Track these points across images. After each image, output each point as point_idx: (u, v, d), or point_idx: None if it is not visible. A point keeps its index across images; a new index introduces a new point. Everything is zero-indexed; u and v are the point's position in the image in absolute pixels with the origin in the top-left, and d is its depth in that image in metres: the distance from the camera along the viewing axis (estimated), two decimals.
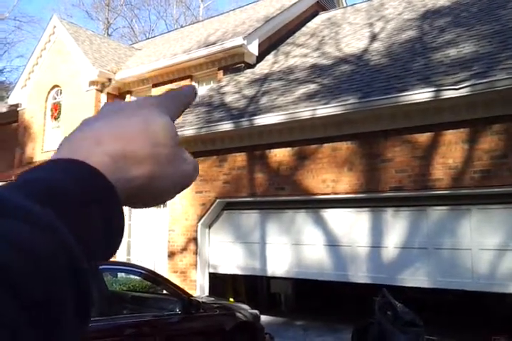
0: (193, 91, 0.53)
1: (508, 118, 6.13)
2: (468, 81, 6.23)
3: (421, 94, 6.41)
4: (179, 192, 0.49)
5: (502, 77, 5.96)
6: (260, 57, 11.67)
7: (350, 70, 8.52)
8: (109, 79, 13.48)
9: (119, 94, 13.85)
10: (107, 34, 32.16)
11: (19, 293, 0.28)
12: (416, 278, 6.91)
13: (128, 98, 13.73)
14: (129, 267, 5.15)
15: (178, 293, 5.08)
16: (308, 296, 10.23)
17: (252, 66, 11.45)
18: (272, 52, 11.94)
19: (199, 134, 8.64)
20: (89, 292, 0.34)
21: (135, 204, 0.46)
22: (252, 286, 10.59)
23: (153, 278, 5.26)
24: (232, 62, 11.59)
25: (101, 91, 13.53)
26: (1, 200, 0.32)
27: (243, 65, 11.37)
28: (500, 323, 7.52)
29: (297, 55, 10.99)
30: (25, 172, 0.38)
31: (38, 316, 0.29)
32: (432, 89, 6.35)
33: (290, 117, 7.52)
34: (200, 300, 5.29)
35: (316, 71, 9.22)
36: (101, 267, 4.78)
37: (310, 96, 7.90)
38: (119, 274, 7.44)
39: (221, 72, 11.72)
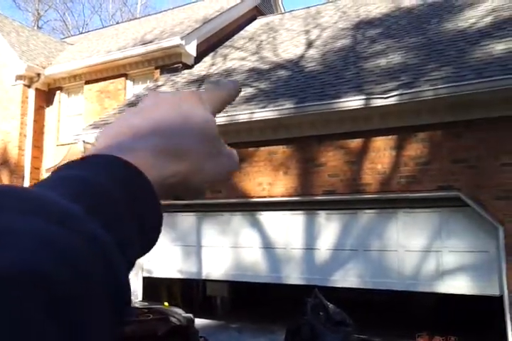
0: (237, 87, 0.52)
1: (433, 126, 6.52)
2: (396, 90, 6.56)
3: (352, 102, 6.67)
4: (215, 185, 0.52)
5: (426, 88, 6.34)
6: (198, 59, 11.61)
7: (287, 76, 8.69)
8: (38, 74, 12.83)
9: (48, 90, 13.22)
10: (37, 26, 30.57)
11: (57, 312, 0.26)
12: (347, 278, 7.17)
13: (58, 95, 13.16)
14: None
15: None
16: (244, 299, 10.30)
17: (189, 67, 11.36)
18: (210, 54, 11.91)
19: None
20: (130, 312, 0.32)
21: (168, 198, 0.45)
22: (188, 290, 10.50)
23: None
24: (169, 62, 11.43)
25: (29, 86, 12.85)
26: (44, 203, 0.30)
27: (181, 65, 11.25)
28: (424, 320, 7.98)
29: (235, 58, 11.05)
30: (61, 168, 0.37)
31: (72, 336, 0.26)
32: (363, 97, 6.62)
33: (228, 120, 7.54)
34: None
35: (254, 75, 9.31)
36: None
37: (248, 100, 7.97)
38: None
39: (158, 71, 11.52)
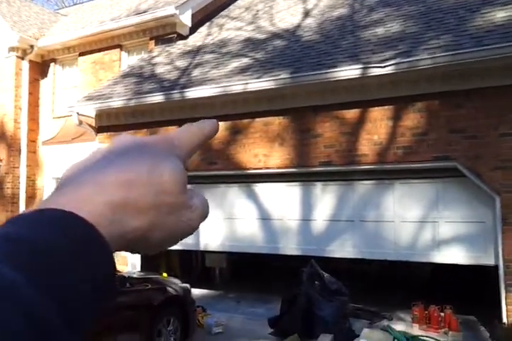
0: (216, 127, 0.49)
1: (430, 96, 6.42)
2: (393, 59, 6.42)
3: (349, 71, 6.54)
4: (179, 241, 0.46)
5: (424, 57, 6.20)
6: (193, 29, 11.35)
7: (283, 45, 8.51)
8: (31, 46, 12.59)
9: (42, 63, 13.00)
10: None
11: None
12: (343, 249, 7.22)
13: (52, 67, 12.94)
14: None
15: None
16: (243, 269, 10.42)
17: (184, 37, 11.12)
18: (206, 24, 11.64)
19: (128, 106, 8.34)
20: None
21: (128, 251, 0.43)
22: (187, 261, 10.60)
23: None
24: (164, 33, 11.19)
25: (22, 58, 12.64)
26: None
27: (176, 35, 11.02)
28: (419, 290, 8.08)
29: (231, 28, 10.80)
30: (7, 224, 0.35)
31: None
32: (359, 66, 6.49)
33: (222, 91, 7.43)
34: (126, 275, 5.19)
35: (250, 45, 9.12)
36: None
37: (243, 70, 7.83)
38: None
39: (153, 42, 11.30)
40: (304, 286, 6.36)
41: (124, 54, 12.01)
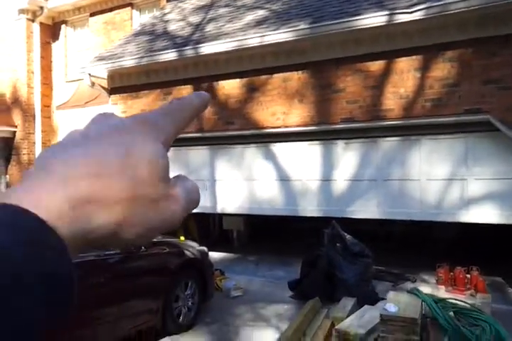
0: (204, 101, 0.45)
1: (462, 44, 5.91)
2: (422, 4, 5.89)
3: (373, 19, 6.04)
4: (158, 234, 0.40)
5: (455, 0, 5.65)
6: None
7: None
8: (41, 8, 12.20)
9: (53, 25, 12.64)
10: None
11: None
12: (366, 209, 6.93)
13: (63, 29, 12.57)
14: None
15: None
16: (261, 232, 10.27)
17: None
18: None
19: (140, 65, 7.99)
20: None
21: (98, 248, 0.41)
22: (204, 224, 10.49)
23: None
24: None
25: (32, 20, 12.29)
26: None
27: None
28: (445, 251, 7.80)
29: None
30: None
31: None
32: (385, 12, 5.98)
33: (238, 45, 7.00)
34: None
35: None
36: None
37: (259, 23, 7.36)
38: None
39: None
40: (325, 248, 6.13)
41: (135, 13, 11.56)
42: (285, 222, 8.65)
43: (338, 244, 6.22)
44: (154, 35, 8.87)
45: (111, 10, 11.67)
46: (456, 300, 4.85)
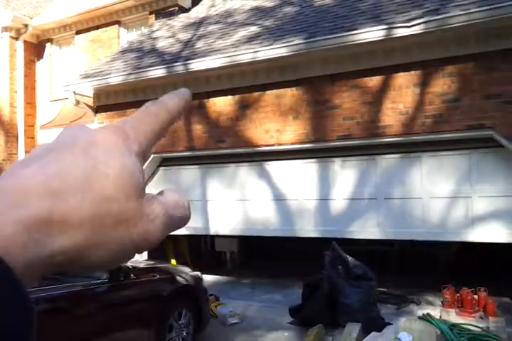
0: (184, 97, 0.43)
1: (463, 58, 5.76)
2: (420, 18, 5.75)
3: (371, 33, 5.88)
4: (133, 257, 0.36)
5: (456, 14, 5.53)
6: (196, 1, 10.66)
7: (294, 12, 7.83)
8: (26, 25, 11.93)
9: (38, 43, 12.37)
10: None
11: None
12: (366, 229, 6.66)
13: (48, 47, 12.31)
14: None
15: None
16: (255, 253, 9.92)
17: (186, 10, 10.44)
18: None
19: (127, 82, 7.72)
20: None
21: (62, 272, 0.36)
22: (196, 246, 10.12)
23: None
24: (164, 6, 10.52)
25: (16, 38, 11.99)
26: None
27: (177, 8, 10.34)
28: (449, 271, 7.53)
29: None
30: None
31: None
32: (383, 27, 5.83)
33: (229, 61, 6.79)
34: (129, 265, 4.64)
35: (257, 13, 8.43)
36: None
37: (251, 39, 7.18)
38: None
39: (153, 16, 10.63)
40: (326, 271, 5.83)
41: (123, 30, 11.36)
42: (281, 242, 8.33)
43: (339, 267, 5.92)
44: (142, 52, 8.64)
45: (97, 28, 11.46)
46: (470, 325, 4.57)
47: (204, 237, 9.86)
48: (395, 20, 5.95)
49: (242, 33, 7.64)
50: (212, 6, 10.16)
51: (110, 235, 0.33)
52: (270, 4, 8.74)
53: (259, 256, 9.95)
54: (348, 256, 5.94)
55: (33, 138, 12.04)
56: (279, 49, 6.46)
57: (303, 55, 6.48)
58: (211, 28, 8.60)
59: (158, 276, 5.16)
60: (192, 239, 9.28)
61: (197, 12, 10.10)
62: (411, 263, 8.20)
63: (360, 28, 6.04)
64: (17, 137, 11.80)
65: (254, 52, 6.59)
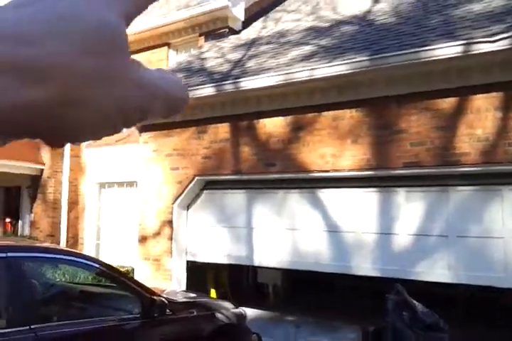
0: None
1: None
2: (504, 33, 5.09)
3: (447, 49, 5.25)
4: (119, 130, 0.33)
5: None
6: (246, 24, 10.38)
7: (353, 30, 7.32)
8: None
9: None
10: None
11: None
12: (434, 271, 5.83)
13: None
14: (68, 256, 3.83)
15: (137, 291, 3.82)
16: (301, 288, 9.12)
17: (237, 32, 10.15)
18: (260, 19, 10.63)
19: None
20: None
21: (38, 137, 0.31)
22: (237, 276, 9.46)
23: (108, 273, 3.95)
24: (214, 28, 10.26)
25: None
26: None
27: (227, 30, 10.06)
28: None
29: (288, 20, 9.72)
30: None
31: None
32: (461, 42, 5.19)
33: (284, 79, 6.29)
34: (165, 299, 4.01)
35: (312, 33, 7.98)
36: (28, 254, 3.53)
37: (307, 57, 6.68)
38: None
39: (202, 38, 10.39)
40: (389, 318, 5.03)
41: (171, 52, 11.19)
42: (329, 277, 7.51)
43: (405, 313, 5.10)
44: (190, 72, 8.31)
45: (147, 49, 11.34)
46: None
47: (246, 267, 9.20)
48: (473, 36, 5.31)
49: (297, 52, 7.17)
50: (264, 27, 9.83)
51: (86, 93, 0.29)
52: (326, 24, 8.28)
53: (304, 291, 9.14)
54: (415, 301, 5.12)
55: (78, 156, 11.88)
56: (339, 66, 5.91)
57: (365, 73, 5.90)
58: (263, 48, 8.20)
59: (197, 313, 4.53)
60: (233, 268, 8.64)
61: (247, 34, 9.79)
62: (484, 310, 7.18)
63: (433, 44, 5.42)
64: (62, 155, 11.69)
65: (311, 69, 6.07)
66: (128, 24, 0.32)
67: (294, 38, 8.05)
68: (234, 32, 10.08)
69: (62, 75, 0.27)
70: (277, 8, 11.14)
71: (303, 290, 9.04)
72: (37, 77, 0.26)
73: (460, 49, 5.17)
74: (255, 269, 9.14)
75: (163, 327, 4.04)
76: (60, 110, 0.28)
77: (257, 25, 10.21)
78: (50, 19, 0.28)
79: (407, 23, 6.80)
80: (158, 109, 0.34)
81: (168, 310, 4.09)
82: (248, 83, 6.60)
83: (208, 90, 6.99)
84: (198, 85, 7.21)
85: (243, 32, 10.02)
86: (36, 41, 0.27)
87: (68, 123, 0.29)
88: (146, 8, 0.34)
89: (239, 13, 10.10)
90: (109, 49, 0.29)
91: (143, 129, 8.38)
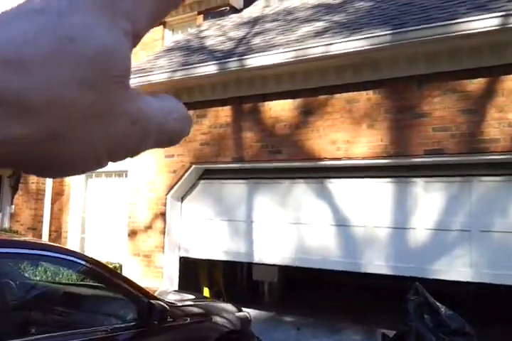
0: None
1: None
2: None
3: (480, 22, 4.69)
4: (105, 164, 0.30)
5: None
6: (248, 2, 9.74)
7: (369, 6, 6.72)
8: None
9: None
10: None
11: None
12: (455, 269, 5.31)
13: None
14: (51, 252, 3.21)
15: (134, 294, 3.23)
16: (298, 285, 8.59)
17: (238, 11, 9.51)
18: None
19: (172, 80, 6.72)
20: None
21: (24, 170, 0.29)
22: (231, 273, 8.89)
23: (97, 273, 3.31)
24: (214, 5, 9.61)
25: None
26: None
27: (228, 8, 9.42)
28: None
29: None
30: None
31: None
32: (498, 14, 4.63)
33: (295, 56, 5.70)
34: (165, 303, 3.41)
35: (322, 10, 7.38)
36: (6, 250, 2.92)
37: (320, 33, 6.09)
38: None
39: (201, 16, 9.74)
40: (411, 321, 4.49)
41: (167, 32, 10.52)
42: (334, 275, 6.98)
43: (426, 316, 4.58)
44: (190, 51, 7.67)
45: None
46: None
47: (240, 264, 8.64)
48: (509, 8, 4.75)
49: (308, 28, 6.56)
50: (267, 6, 9.20)
51: (78, 129, 0.26)
52: (336, 1, 7.68)
53: (303, 288, 8.60)
54: (438, 304, 4.59)
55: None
56: (358, 41, 5.32)
57: (387, 49, 5.32)
58: (268, 25, 7.58)
59: (199, 319, 3.96)
60: (227, 265, 8.07)
61: (250, 12, 9.16)
62: (500, 310, 6.67)
63: (464, 17, 4.85)
64: None
65: (327, 45, 5.47)
66: (136, 43, 0.29)
67: (302, 15, 7.44)
68: (235, 10, 9.45)
69: (54, 110, 0.24)
70: None
71: (300, 287, 8.50)
72: (23, 110, 0.23)
73: (497, 21, 4.61)
74: (250, 266, 8.57)
75: (164, 337, 3.47)
76: (45, 145, 0.25)
77: (260, 3, 9.58)
78: (50, 42, 0.24)
79: None
80: (150, 146, 0.31)
81: (168, 316, 3.51)
82: (255, 60, 6.00)
83: (210, 68, 6.37)
84: (197, 63, 6.59)
85: (245, 10, 9.39)
86: (24, 72, 0.23)
87: (55, 159, 0.27)
88: (163, 18, 0.30)
89: None
90: (109, 80, 0.26)
91: None
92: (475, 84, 5.09)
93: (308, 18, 7.16)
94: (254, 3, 9.72)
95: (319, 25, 6.53)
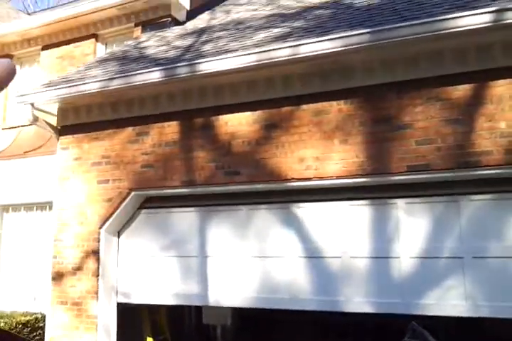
0: (11, 66, 0.40)
1: None
2: None
3: (472, 18, 4.15)
4: None
5: None
6: (191, 15, 9.01)
7: (331, 12, 6.16)
8: None
9: None
10: None
11: None
12: (447, 302, 4.57)
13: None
14: None
15: None
16: (258, 327, 7.53)
17: (181, 23, 8.73)
18: (207, 12, 9.30)
19: (107, 90, 5.68)
20: None
21: None
22: (177, 317, 7.70)
23: None
24: (154, 17, 8.78)
25: None
26: None
27: (169, 19, 8.61)
28: None
29: (242, 10, 8.47)
30: None
31: None
32: (492, 8, 4.12)
33: (257, 59, 4.91)
34: None
35: (278, 19, 6.75)
36: None
37: (282, 37, 5.38)
38: None
39: (139, 28, 8.84)
40: None
41: (100, 46, 9.48)
42: (295, 313, 6.00)
43: None
44: (128, 60, 6.71)
45: (69, 42, 9.54)
46: None
47: (188, 307, 7.48)
48: (499, 6, 4.26)
49: (265, 34, 5.85)
50: (213, 18, 8.49)
51: None
52: (291, 11, 7.09)
53: (263, 331, 7.56)
54: None
55: None
56: (330, 42, 4.62)
57: (359, 53, 4.68)
58: (218, 34, 6.82)
59: None
60: (173, 308, 6.89)
61: (194, 24, 8.39)
62: None
63: (445, 15, 4.31)
64: None
65: (295, 46, 4.73)
66: None
67: (255, 24, 6.75)
68: (177, 23, 8.65)
69: None
70: (225, 3, 9.88)
71: (262, 330, 7.45)
72: None
73: (490, 18, 4.09)
74: (199, 308, 7.43)
75: None
76: None
77: (204, 16, 8.86)
78: None
79: (397, 1, 5.72)
80: None
81: None
82: (208, 65, 5.14)
83: (152, 75, 5.42)
84: (138, 70, 5.62)
85: (188, 23, 8.62)
86: None
87: None
88: None
89: (184, 0, 8.70)
90: None
91: (63, 131, 6.58)
92: (460, 91, 4.53)
93: (263, 26, 6.48)
94: (197, 17, 8.99)
95: (278, 31, 5.84)
